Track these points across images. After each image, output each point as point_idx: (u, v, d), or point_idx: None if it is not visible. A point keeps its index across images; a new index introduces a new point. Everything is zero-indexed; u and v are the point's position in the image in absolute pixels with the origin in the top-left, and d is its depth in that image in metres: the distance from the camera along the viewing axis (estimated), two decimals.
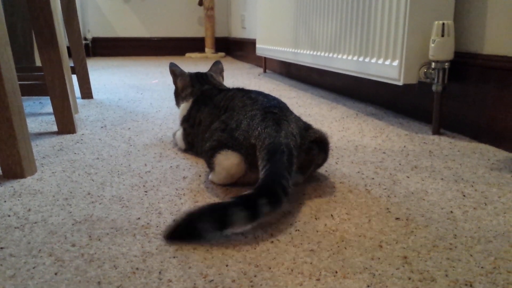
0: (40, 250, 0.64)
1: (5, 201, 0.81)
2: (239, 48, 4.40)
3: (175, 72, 1.19)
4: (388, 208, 0.77)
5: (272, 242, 0.66)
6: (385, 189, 0.87)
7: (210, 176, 0.90)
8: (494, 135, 1.16)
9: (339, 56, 1.68)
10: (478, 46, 1.22)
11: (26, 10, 2.11)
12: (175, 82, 1.20)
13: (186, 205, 0.79)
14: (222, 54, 4.79)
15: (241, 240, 0.66)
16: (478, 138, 1.22)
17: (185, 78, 1.17)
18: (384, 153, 1.11)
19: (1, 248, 0.64)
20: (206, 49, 4.71)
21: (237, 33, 4.50)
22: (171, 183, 0.91)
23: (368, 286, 0.54)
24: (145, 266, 0.59)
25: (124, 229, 0.70)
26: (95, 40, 4.80)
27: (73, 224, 0.72)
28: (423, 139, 1.24)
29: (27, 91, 1.47)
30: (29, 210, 0.78)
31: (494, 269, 0.58)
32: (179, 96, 1.18)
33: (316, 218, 0.74)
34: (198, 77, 1.17)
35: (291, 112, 0.92)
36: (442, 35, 1.19)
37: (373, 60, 1.43)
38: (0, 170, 0.95)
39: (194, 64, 3.72)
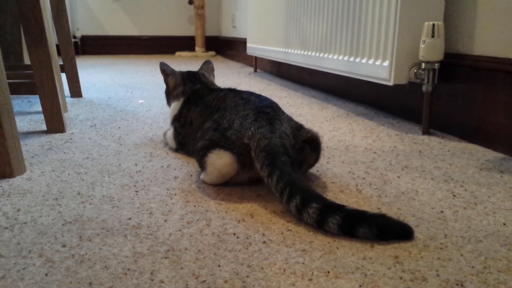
0: (30, 250, 0.63)
1: None
2: (229, 47, 4.39)
3: (166, 71, 1.18)
4: (379, 208, 0.78)
5: (264, 242, 0.66)
6: (376, 189, 0.87)
7: (202, 176, 0.90)
8: (483, 135, 1.17)
9: (330, 56, 1.68)
10: (468, 47, 1.24)
11: (15, 7, 2.09)
12: (166, 81, 1.19)
13: (178, 205, 0.79)
14: (213, 53, 4.78)
15: (233, 240, 0.66)
16: (468, 138, 1.23)
17: (177, 77, 1.16)
18: (374, 153, 1.12)
19: None
20: (197, 48, 4.69)
21: (228, 32, 4.49)
22: (162, 183, 0.90)
23: (360, 286, 0.54)
24: (136, 266, 0.59)
25: (115, 230, 0.69)
26: (84, 38, 4.77)
27: (63, 225, 0.71)
28: (413, 139, 1.25)
29: (16, 89, 1.46)
30: (19, 210, 0.77)
31: (484, 268, 0.58)
32: (170, 95, 1.17)
33: None
34: (190, 76, 1.16)
35: (283, 112, 0.92)
36: (432, 36, 1.19)
37: (364, 60, 1.43)
38: None
39: (184, 63, 3.71)
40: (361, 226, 0.66)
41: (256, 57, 3.10)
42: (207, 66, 1.24)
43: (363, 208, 0.77)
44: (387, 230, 0.66)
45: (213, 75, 1.24)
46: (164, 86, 1.22)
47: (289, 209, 0.72)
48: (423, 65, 1.24)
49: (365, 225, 0.66)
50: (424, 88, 1.25)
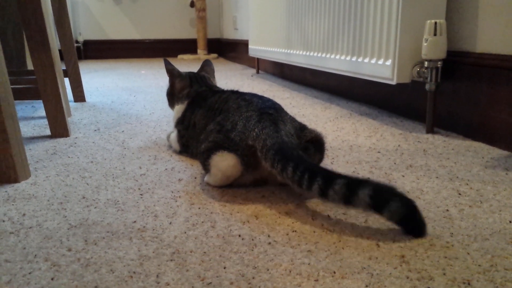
0: (35, 255, 0.63)
1: None
2: (231, 49, 4.39)
3: (173, 73, 1.15)
4: None
5: (270, 243, 0.65)
6: None
7: (206, 178, 0.90)
8: (487, 133, 1.16)
9: (332, 56, 1.68)
10: (471, 45, 1.23)
11: (17, 13, 2.10)
12: (172, 83, 1.17)
13: (182, 207, 0.79)
14: (215, 55, 4.79)
15: (238, 242, 0.66)
16: (472, 136, 1.22)
17: (185, 79, 1.15)
18: (378, 152, 1.11)
19: None
20: (199, 51, 4.70)
21: (229, 34, 4.50)
22: (167, 186, 0.90)
23: (366, 286, 0.54)
24: (142, 269, 0.59)
25: (120, 233, 0.70)
26: (86, 43, 4.78)
27: (68, 229, 0.71)
28: (417, 138, 1.24)
29: (20, 95, 1.46)
30: (24, 215, 0.77)
31: (491, 267, 0.58)
32: (174, 97, 1.16)
33: (313, 219, 0.74)
34: (197, 78, 1.16)
35: (286, 113, 0.92)
36: (435, 34, 1.19)
37: (366, 60, 1.43)
38: None
39: (187, 65, 3.71)
40: (393, 201, 0.64)
41: (258, 59, 3.10)
42: (209, 67, 1.23)
43: None
44: (411, 216, 0.66)
45: (214, 77, 1.23)
46: (165, 88, 1.21)
47: (312, 194, 0.70)
48: (426, 63, 1.23)
49: (397, 200, 0.64)
50: (427, 86, 1.25)
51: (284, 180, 0.75)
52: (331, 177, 0.68)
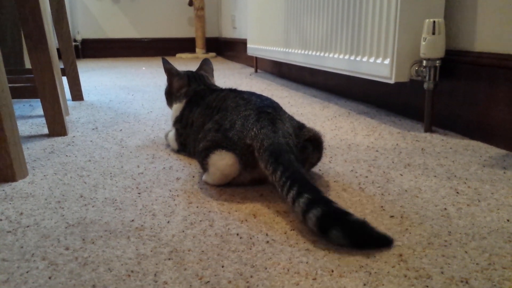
0: (33, 254, 0.63)
1: None
2: (230, 48, 4.39)
3: (171, 71, 1.15)
4: (382, 206, 0.77)
5: (268, 242, 0.65)
6: (378, 187, 0.87)
7: (204, 177, 0.90)
8: (485, 131, 1.17)
9: (331, 55, 1.68)
10: (469, 44, 1.23)
11: (15, 11, 2.09)
12: (170, 81, 1.17)
13: (180, 206, 0.79)
14: (213, 54, 4.78)
15: (236, 240, 0.66)
16: (470, 135, 1.22)
17: (183, 78, 1.14)
18: (377, 151, 1.12)
19: None
20: (197, 50, 4.70)
21: (228, 33, 4.49)
22: (165, 185, 0.90)
23: (364, 285, 0.54)
24: (140, 268, 0.59)
25: (118, 232, 0.69)
26: (84, 41, 4.77)
27: (66, 227, 0.71)
28: (415, 137, 1.24)
29: (17, 93, 1.46)
30: (21, 213, 0.77)
31: (489, 265, 0.58)
32: (172, 96, 1.16)
33: None
34: (195, 77, 1.15)
35: (284, 112, 0.92)
36: (433, 33, 1.19)
37: (365, 59, 1.43)
38: None
39: (185, 64, 3.71)
40: (335, 228, 0.63)
41: (256, 58, 3.10)
42: (208, 67, 1.23)
43: (366, 207, 0.77)
44: (362, 240, 0.64)
45: (212, 76, 1.23)
46: (164, 87, 1.21)
47: (287, 201, 0.71)
48: (424, 62, 1.23)
49: (339, 229, 0.63)
50: (425, 85, 1.25)
51: (273, 182, 0.75)
52: (303, 189, 0.68)
